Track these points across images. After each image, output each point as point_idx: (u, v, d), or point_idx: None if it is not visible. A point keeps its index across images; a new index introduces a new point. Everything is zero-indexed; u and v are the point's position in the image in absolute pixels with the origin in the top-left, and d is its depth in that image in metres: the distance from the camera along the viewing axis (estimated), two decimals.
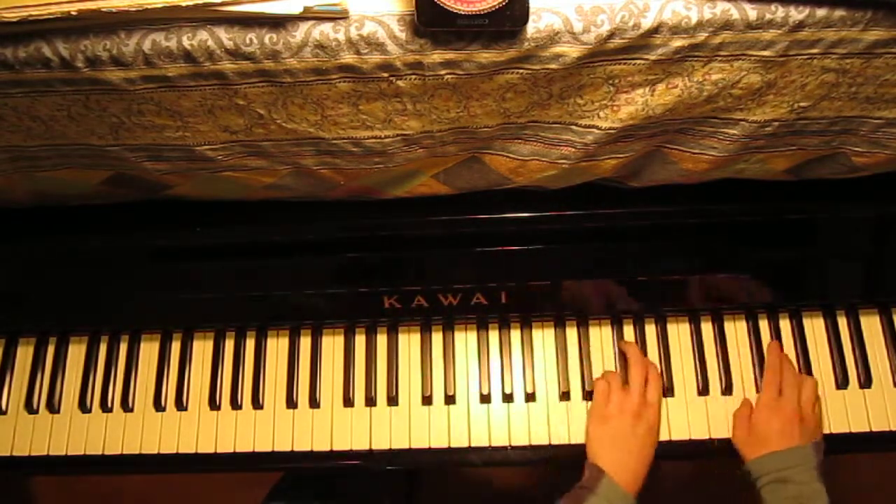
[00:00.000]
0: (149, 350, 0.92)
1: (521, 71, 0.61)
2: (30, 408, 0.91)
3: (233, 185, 0.78)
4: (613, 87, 0.64)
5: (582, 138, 0.70)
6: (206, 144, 0.70)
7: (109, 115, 0.65)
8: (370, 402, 0.89)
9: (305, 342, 0.92)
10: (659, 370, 0.87)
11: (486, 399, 0.89)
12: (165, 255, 0.89)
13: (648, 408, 0.83)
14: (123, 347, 0.93)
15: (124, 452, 0.88)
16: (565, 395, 0.88)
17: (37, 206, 0.87)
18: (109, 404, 0.90)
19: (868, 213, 0.87)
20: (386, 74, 0.60)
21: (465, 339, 0.91)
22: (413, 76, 0.60)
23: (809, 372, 0.87)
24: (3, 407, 0.91)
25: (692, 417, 0.86)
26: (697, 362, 0.89)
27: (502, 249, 0.88)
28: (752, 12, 0.58)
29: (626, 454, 0.80)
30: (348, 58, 0.58)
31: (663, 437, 0.86)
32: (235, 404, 0.89)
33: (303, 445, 0.88)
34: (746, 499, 0.81)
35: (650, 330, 0.90)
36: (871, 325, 0.90)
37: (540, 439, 0.87)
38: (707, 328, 0.90)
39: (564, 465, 0.86)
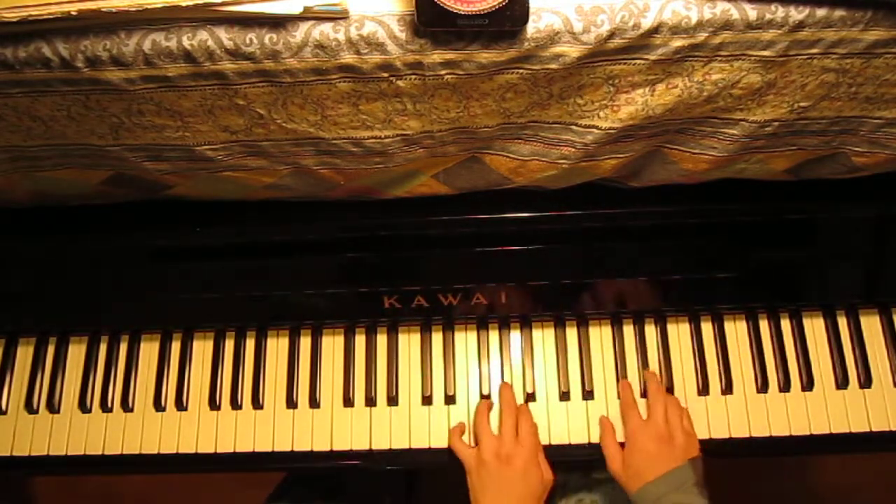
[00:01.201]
0: (149, 350, 0.92)
1: (521, 71, 0.61)
2: (30, 408, 0.91)
3: (233, 185, 0.78)
4: (613, 87, 0.64)
5: (582, 138, 0.70)
6: (206, 144, 0.70)
7: (109, 115, 0.65)
8: (370, 402, 0.89)
9: (305, 342, 0.92)
10: (529, 414, 0.86)
11: (486, 399, 0.89)
12: (165, 255, 0.89)
13: (520, 450, 0.82)
14: (123, 347, 0.93)
15: (124, 452, 0.88)
16: (565, 395, 0.88)
17: (37, 206, 0.87)
18: (109, 404, 0.90)
19: (868, 213, 0.87)
20: (386, 74, 0.60)
21: (465, 339, 0.91)
22: (413, 76, 0.60)
23: (809, 372, 0.87)
24: (3, 407, 0.91)
25: (692, 417, 0.86)
26: (697, 362, 0.89)
27: (502, 249, 0.88)
28: (752, 12, 0.58)
29: (502, 499, 0.79)
30: (348, 58, 0.58)
31: None
32: (235, 404, 0.89)
33: (303, 445, 0.88)
34: (746, 499, 0.81)
35: (650, 330, 0.90)
36: (871, 325, 0.90)
37: (540, 439, 0.87)
38: (707, 328, 0.90)
39: (563, 465, 0.86)
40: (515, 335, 0.91)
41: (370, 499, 1.03)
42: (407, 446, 0.87)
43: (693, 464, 0.79)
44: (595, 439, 0.86)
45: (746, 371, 0.88)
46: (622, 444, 0.84)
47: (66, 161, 0.74)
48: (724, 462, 0.86)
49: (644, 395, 0.87)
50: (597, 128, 0.68)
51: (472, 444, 0.86)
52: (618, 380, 0.88)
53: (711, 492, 0.77)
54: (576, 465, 0.99)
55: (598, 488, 0.92)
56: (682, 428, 0.82)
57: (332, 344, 0.91)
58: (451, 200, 0.84)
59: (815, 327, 0.90)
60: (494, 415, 0.87)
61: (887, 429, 0.85)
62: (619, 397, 0.87)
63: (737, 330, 0.90)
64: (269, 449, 0.88)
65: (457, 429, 0.86)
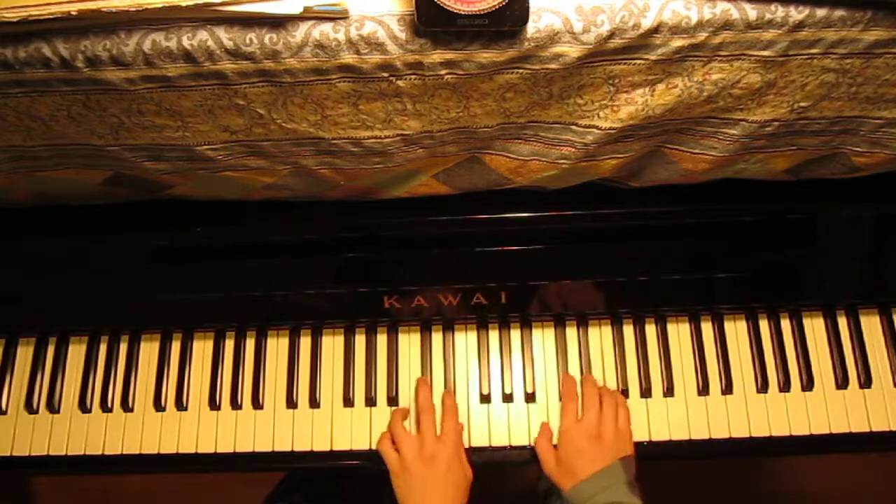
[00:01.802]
0: (149, 350, 0.92)
1: (521, 71, 0.61)
2: (30, 408, 0.91)
3: (233, 185, 0.78)
4: (613, 87, 0.64)
5: (582, 138, 0.70)
6: (206, 144, 0.70)
7: (109, 115, 0.65)
8: (370, 402, 0.89)
9: (305, 342, 0.92)
10: (454, 412, 0.86)
11: (486, 399, 0.89)
12: (165, 255, 0.89)
13: (442, 448, 0.82)
14: (123, 347, 0.93)
15: (124, 452, 0.88)
16: None
17: (37, 206, 0.87)
18: (109, 404, 0.90)
19: (868, 213, 0.87)
20: (386, 74, 0.60)
21: (465, 339, 0.91)
22: (413, 76, 0.60)
23: (809, 372, 0.87)
24: (3, 407, 0.91)
25: (692, 417, 0.86)
26: (697, 362, 0.89)
27: (502, 249, 0.88)
28: (752, 12, 0.58)
29: (428, 499, 0.79)
30: (348, 58, 0.58)
31: (663, 437, 0.86)
32: (235, 404, 0.89)
33: (303, 445, 0.88)
34: (747, 499, 0.81)
35: (650, 330, 0.90)
36: (871, 325, 0.90)
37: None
38: (707, 328, 0.90)
39: None
40: (515, 335, 0.91)
41: (370, 499, 1.03)
42: None
43: (624, 463, 0.80)
44: None
45: (746, 371, 0.88)
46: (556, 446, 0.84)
47: (66, 161, 0.74)
48: (725, 462, 0.86)
49: (644, 394, 0.87)
50: (597, 128, 0.68)
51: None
52: (618, 380, 0.88)
53: (718, 490, 0.77)
54: None
55: None
56: (615, 426, 0.83)
57: (332, 344, 0.91)
58: (452, 200, 0.84)
59: (815, 327, 0.90)
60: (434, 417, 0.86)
61: (887, 429, 0.86)
62: (562, 392, 0.87)
63: (737, 330, 0.90)
64: (269, 449, 0.88)
65: (386, 433, 0.86)
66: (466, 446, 0.86)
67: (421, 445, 0.82)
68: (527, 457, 0.87)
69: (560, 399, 0.87)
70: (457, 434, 0.84)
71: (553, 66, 0.60)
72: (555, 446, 0.85)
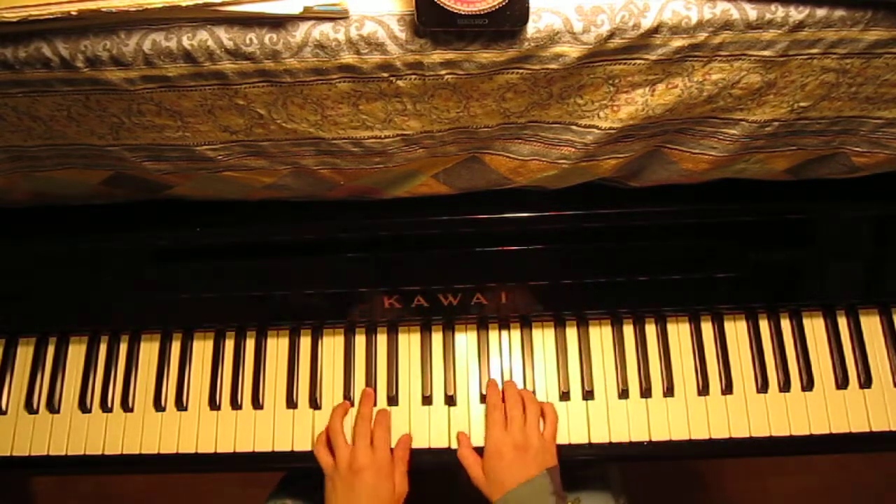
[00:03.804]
0: (149, 350, 0.92)
1: (521, 71, 0.61)
2: (30, 408, 0.91)
3: (233, 185, 0.78)
4: (613, 87, 0.64)
5: (582, 138, 0.70)
6: (206, 144, 0.70)
7: (109, 115, 0.65)
8: None
9: (305, 342, 0.92)
10: (386, 423, 0.86)
11: (485, 399, 0.89)
12: (165, 255, 0.89)
13: (372, 461, 0.81)
14: (123, 347, 0.93)
15: (124, 452, 0.88)
16: (565, 395, 0.88)
17: (37, 206, 0.87)
18: (109, 404, 0.90)
19: (868, 213, 0.87)
20: (386, 74, 0.60)
21: (465, 339, 0.91)
22: (413, 76, 0.60)
23: (809, 372, 0.87)
24: (3, 407, 0.91)
25: (692, 417, 0.86)
26: (697, 362, 0.89)
27: (502, 249, 0.88)
28: (752, 12, 0.58)
29: None
30: (348, 58, 0.58)
31: (663, 437, 0.86)
32: (235, 404, 0.89)
33: (303, 445, 0.88)
34: (748, 499, 0.81)
35: (650, 330, 0.90)
36: (871, 325, 0.90)
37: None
38: (707, 328, 0.90)
39: (563, 464, 0.86)
40: (515, 335, 0.91)
41: None
42: None
43: (550, 473, 0.79)
44: (596, 439, 0.86)
45: (746, 371, 0.88)
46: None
47: (66, 161, 0.74)
48: (725, 462, 0.86)
49: (644, 395, 0.87)
50: (597, 128, 0.68)
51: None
52: (618, 380, 0.88)
53: (718, 490, 0.77)
54: (575, 465, 0.99)
55: (583, 489, 0.92)
56: (538, 436, 0.82)
57: (332, 344, 0.91)
58: (451, 200, 0.84)
59: (815, 327, 0.90)
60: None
61: (887, 429, 0.85)
62: (487, 402, 0.87)
63: (737, 330, 0.90)
64: (269, 449, 0.88)
65: (321, 435, 0.86)
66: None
67: (353, 455, 0.82)
68: None
69: (486, 409, 0.87)
70: (387, 445, 0.84)
71: (553, 66, 0.60)
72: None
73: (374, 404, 0.88)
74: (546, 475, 0.79)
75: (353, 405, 0.89)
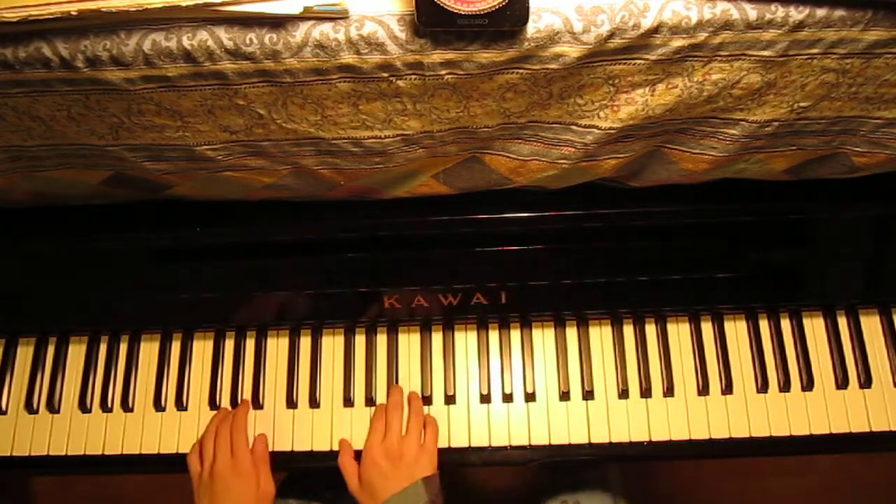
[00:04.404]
0: (149, 350, 0.93)
1: (521, 71, 0.61)
2: (30, 408, 0.91)
3: (233, 185, 0.78)
4: (613, 87, 0.64)
5: (582, 138, 0.70)
6: (206, 144, 0.70)
7: (109, 115, 0.65)
8: (370, 402, 0.89)
9: (305, 342, 0.92)
10: (242, 425, 0.85)
11: (485, 399, 0.89)
12: (165, 255, 0.89)
13: (229, 465, 0.81)
14: (123, 347, 0.93)
15: (124, 452, 0.88)
16: (565, 395, 0.88)
17: (37, 206, 0.87)
18: (109, 404, 0.90)
19: (868, 213, 0.87)
20: (386, 74, 0.60)
21: (465, 339, 0.91)
22: (413, 76, 0.60)
23: (809, 372, 0.88)
24: (3, 407, 0.91)
25: (692, 417, 0.86)
26: (697, 362, 0.89)
27: (502, 249, 0.88)
28: (752, 12, 0.58)
29: None
30: (348, 58, 0.58)
31: (663, 437, 0.86)
32: (236, 404, 0.89)
33: (303, 445, 0.88)
34: (747, 499, 0.81)
35: (650, 330, 0.90)
36: (871, 325, 0.90)
37: (540, 439, 0.87)
38: (707, 328, 0.90)
39: (563, 465, 0.86)
40: (515, 335, 0.91)
41: None
42: None
43: (427, 483, 0.78)
44: (595, 439, 0.86)
45: (746, 371, 0.88)
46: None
47: (66, 161, 0.74)
48: (725, 462, 0.86)
49: (644, 394, 0.87)
50: (597, 128, 0.68)
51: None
52: (618, 380, 0.88)
53: (719, 490, 0.77)
54: (575, 465, 0.99)
55: (582, 490, 0.92)
56: (417, 444, 0.82)
57: (332, 344, 0.91)
58: (451, 200, 0.84)
59: (815, 327, 0.90)
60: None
61: (887, 429, 0.86)
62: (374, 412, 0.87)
63: (737, 330, 0.90)
64: (269, 449, 0.87)
65: (196, 443, 0.85)
66: (465, 445, 0.86)
67: (213, 462, 0.81)
68: (528, 457, 0.87)
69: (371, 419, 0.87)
70: (245, 450, 0.83)
71: (553, 66, 0.60)
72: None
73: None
74: (420, 485, 0.78)
75: (353, 405, 0.89)
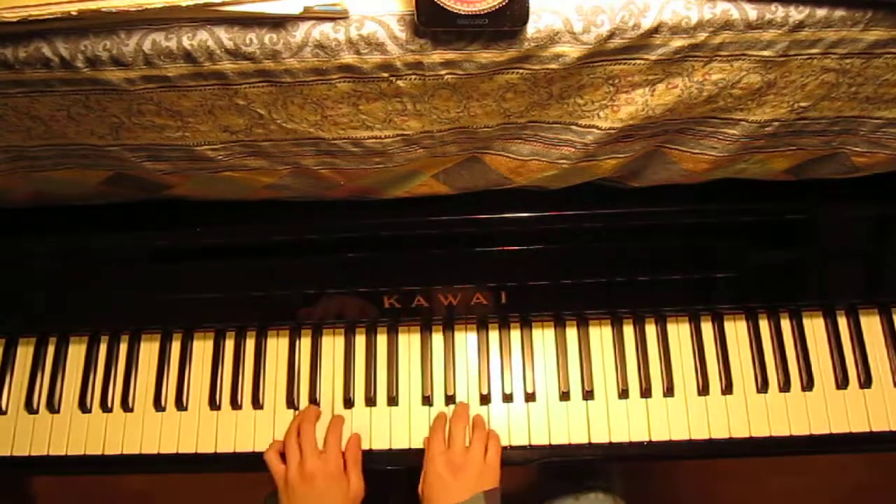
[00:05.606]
0: (149, 350, 0.92)
1: (521, 71, 0.61)
2: (30, 408, 0.91)
3: (233, 185, 0.78)
4: (613, 87, 0.64)
5: (582, 138, 0.70)
6: (206, 144, 0.70)
7: (109, 115, 0.65)
8: (370, 402, 0.89)
9: (305, 342, 0.92)
10: (338, 425, 0.86)
11: (485, 399, 0.89)
12: (165, 255, 0.89)
13: (322, 466, 0.81)
14: (123, 347, 0.93)
15: (124, 452, 0.88)
16: (565, 395, 0.88)
17: (37, 206, 0.87)
18: (109, 404, 0.90)
19: (868, 213, 0.87)
20: (386, 74, 0.60)
21: (465, 339, 0.91)
22: (413, 76, 0.60)
23: (809, 372, 0.87)
24: (3, 407, 0.91)
25: (692, 417, 0.86)
26: (697, 362, 0.89)
27: (502, 249, 0.88)
28: (752, 12, 0.58)
29: None
30: (348, 58, 0.58)
31: (663, 437, 0.86)
32: (235, 404, 0.89)
33: None
34: (747, 499, 0.81)
35: (650, 330, 0.90)
36: (871, 325, 0.90)
37: (540, 439, 0.87)
38: (707, 328, 0.90)
39: (563, 465, 0.86)
40: (515, 335, 0.91)
41: (374, 498, 1.03)
42: (407, 446, 0.87)
43: (487, 496, 0.78)
44: (595, 439, 0.86)
45: (746, 371, 0.88)
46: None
47: (66, 161, 0.74)
48: (725, 462, 0.86)
49: (644, 395, 0.87)
50: (597, 128, 0.68)
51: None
52: (618, 380, 0.88)
53: (719, 490, 0.77)
54: (574, 465, 0.99)
55: (584, 497, 0.92)
56: (481, 458, 0.82)
57: (332, 344, 0.91)
58: (451, 200, 0.84)
59: (815, 327, 0.90)
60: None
61: (887, 429, 0.86)
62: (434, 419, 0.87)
63: (737, 330, 0.90)
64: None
65: (275, 443, 0.85)
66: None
67: (302, 461, 0.81)
68: (528, 457, 0.87)
69: (432, 424, 0.87)
70: (337, 451, 0.83)
71: (553, 66, 0.60)
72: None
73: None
74: (481, 497, 0.78)
75: (353, 406, 0.89)
